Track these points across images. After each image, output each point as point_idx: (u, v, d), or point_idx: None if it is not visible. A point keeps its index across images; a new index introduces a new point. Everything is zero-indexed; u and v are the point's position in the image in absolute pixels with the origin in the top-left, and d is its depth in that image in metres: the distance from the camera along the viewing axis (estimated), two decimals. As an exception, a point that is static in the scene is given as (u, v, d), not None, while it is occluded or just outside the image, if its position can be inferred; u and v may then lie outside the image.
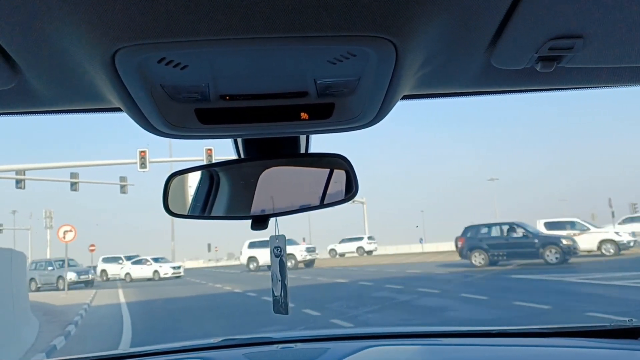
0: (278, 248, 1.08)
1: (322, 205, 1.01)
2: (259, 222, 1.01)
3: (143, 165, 22.59)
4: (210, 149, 22.84)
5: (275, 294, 1.09)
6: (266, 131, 0.82)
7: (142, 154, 22.69)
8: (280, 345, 1.43)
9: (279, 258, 1.08)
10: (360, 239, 39.81)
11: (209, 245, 71.99)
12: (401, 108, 0.88)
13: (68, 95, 0.74)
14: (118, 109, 0.78)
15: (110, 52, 0.57)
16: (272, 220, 1.02)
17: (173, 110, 0.73)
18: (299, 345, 1.43)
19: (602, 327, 1.36)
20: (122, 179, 25.68)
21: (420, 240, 65.86)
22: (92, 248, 35.31)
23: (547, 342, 1.30)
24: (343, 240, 40.63)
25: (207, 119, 0.75)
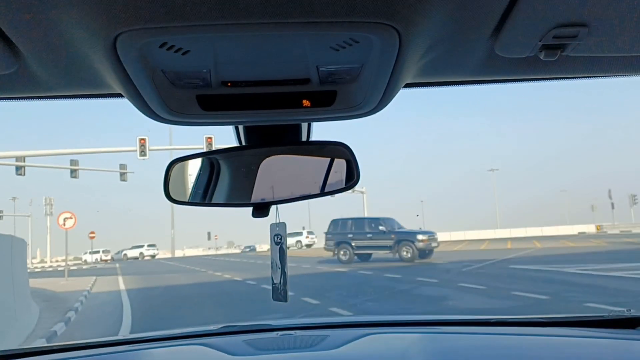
0: (278, 236, 1.08)
1: (323, 193, 1.01)
2: (260, 210, 1.01)
3: (143, 153, 22.54)
4: (210, 137, 22.78)
5: (275, 281, 1.09)
6: (268, 118, 0.81)
7: (142, 141, 22.62)
8: (280, 332, 1.44)
9: (279, 246, 1.08)
10: (300, 234, 48.63)
11: (209, 234, 72.42)
12: (402, 96, 0.88)
13: (69, 80, 0.74)
14: (119, 95, 0.78)
15: (111, 36, 0.57)
16: (272, 208, 1.02)
17: (174, 96, 0.73)
18: (299, 332, 1.44)
19: (600, 317, 1.37)
20: (122, 166, 25.66)
21: (420, 230, 66.05)
22: (92, 235, 35.50)
23: (546, 332, 1.31)
24: (290, 234, 47.95)
25: (209, 105, 0.75)
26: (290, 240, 47.48)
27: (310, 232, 48.87)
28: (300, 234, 48.23)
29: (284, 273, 1.08)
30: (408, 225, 21.51)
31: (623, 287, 9.49)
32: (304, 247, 46.44)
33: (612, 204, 56.73)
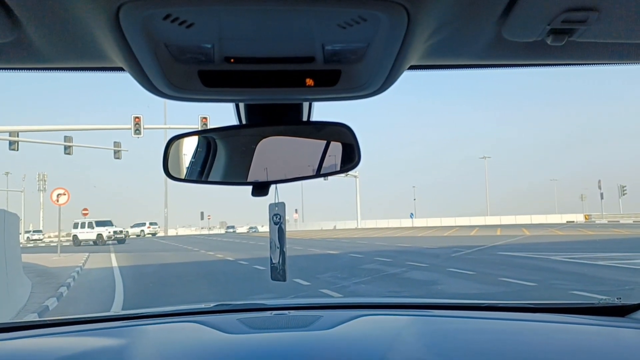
0: (277, 215, 1.08)
1: (323, 173, 1.01)
2: (260, 189, 1.00)
3: (137, 131, 22.36)
4: (205, 118, 22.63)
5: (274, 261, 1.09)
6: (270, 97, 0.80)
7: (137, 120, 22.42)
8: (274, 312, 1.46)
9: (278, 225, 1.08)
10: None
11: (202, 214, 72.74)
12: (402, 79, 0.87)
13: (69, 51, 0.72)
14: (119, 69, 0.76)
15: (114, 6, 0.55)
16: (271, 188, 1.02)
17: (176, 71, 0.72)
18: (292, 312, 1.45)
19: (590, 304, 1.40)
20: (116, 144, 25.47)
21: (411, 215, 67.04)
22: (85, 212, 35.30)
23: (536, 317, 1.33)
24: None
25: (211, 81, 0.74)
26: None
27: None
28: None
29: (282, 253, 1.08)
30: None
31: (609, 276, 9.66)
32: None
33: (602, 194, 57.42)
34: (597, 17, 0.62)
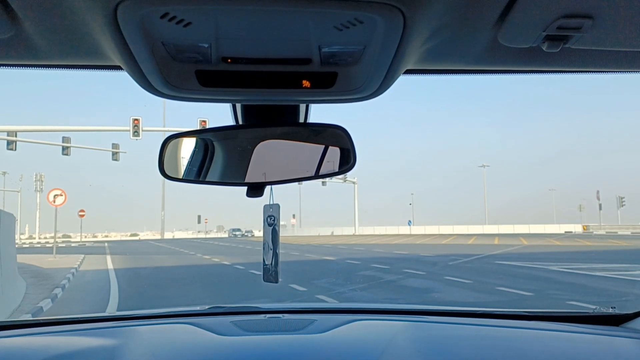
0: (272, 217, 1.08)
1: (318, 175, 1.01)
2: (255, 190, 1.00)
3: (136, 133, 22.36)
4: (204, 121, 22.65)
5: (266, 262, 1.09)
6: (266, 97, 0.80)
7: (136, 122, 22.43)
8: (268, 315, 1.45)
9: (272, 227, 1.08)
10: None
11: (199, 217, 72.59)
12: (400, 85, 0.88)
13: (68, 49, 0.72)
14: (117, 67, 0.76)
15: (112, 4, 0.55)
16: (267, 189, 1.02)
17: (173, 70, 0.72)
18: (286, 316, 1.45)
19: (585, 313, 1.40)
20: (115, 145, 25.46)
21: (409, 223, 67.02)
22: (81, 213, 35.26)
23: (531, 325, 1.32)
24: None
25: (208, 81, 0.74)
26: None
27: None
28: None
29: (275, 254, 1.08)
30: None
31: (606, 287, 9.65)
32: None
33: (600, 205, 57.53)
34: (591, 25, 0.62)
